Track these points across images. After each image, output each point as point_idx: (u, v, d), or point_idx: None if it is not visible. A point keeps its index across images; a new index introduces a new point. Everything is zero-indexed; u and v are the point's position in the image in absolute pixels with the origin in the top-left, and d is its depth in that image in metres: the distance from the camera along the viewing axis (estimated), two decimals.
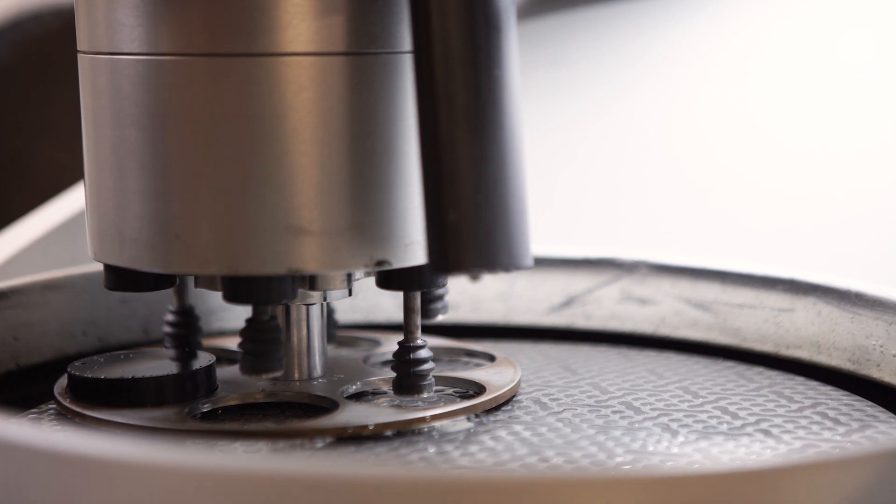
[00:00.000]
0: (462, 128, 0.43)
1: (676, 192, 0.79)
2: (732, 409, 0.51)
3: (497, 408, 0.51)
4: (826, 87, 0.77)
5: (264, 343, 0.47)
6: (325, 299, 0.51)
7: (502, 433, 0.48)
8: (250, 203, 0.46)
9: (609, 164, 0.80)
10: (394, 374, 0.50)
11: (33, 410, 0.51)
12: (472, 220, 0.43)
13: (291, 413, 0.49)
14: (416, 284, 0.49)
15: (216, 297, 0.59)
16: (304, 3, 0.45)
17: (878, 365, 0.54)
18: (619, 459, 0.45)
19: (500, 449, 0.46)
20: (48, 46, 1.01)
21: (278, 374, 0.48)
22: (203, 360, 0.51)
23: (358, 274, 0.50)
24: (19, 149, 1.03)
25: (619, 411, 0.50)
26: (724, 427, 0.49)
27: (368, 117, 0.46)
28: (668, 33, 0.80)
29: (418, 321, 0.50)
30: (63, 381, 0.51)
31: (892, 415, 0.51)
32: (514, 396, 0.52)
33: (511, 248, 0.44)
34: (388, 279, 0.49)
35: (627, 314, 0.61)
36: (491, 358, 0.56)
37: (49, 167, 1.01)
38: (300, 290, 0.49)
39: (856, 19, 0.77)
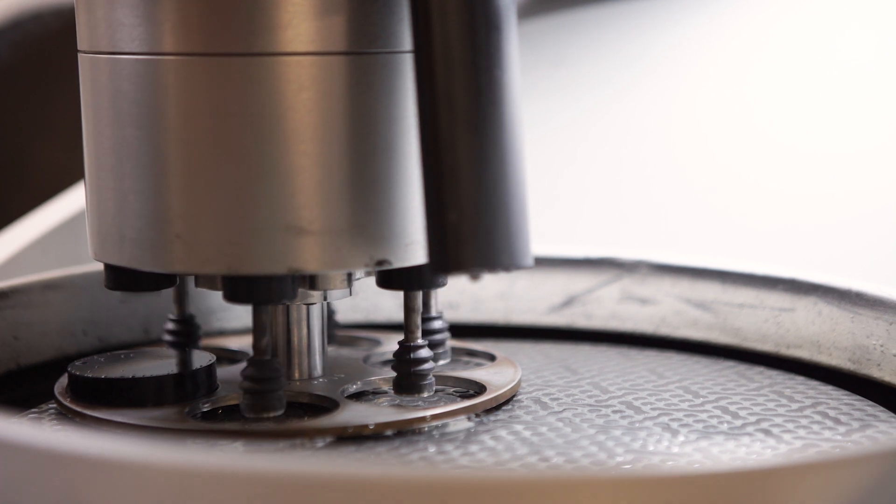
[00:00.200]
0: (462, 128, 0.43)
1: (676, 192, 0.79)
2: (733, 408, 0.51)
3: (497, 407, 0.51)
4: (826, 87, 0.77)
5: (265, 382, 0.47)
6: (325, 299, 0.51)
7: (503, 433, 0.48)
8: (250, 202, 0.46)
9: (609, 163, 0.80)
10: (394, 374, 0.50)
11: (33, 410, 0.51)
12: (472, 220, 0.43)
13: (291, 413, 0.49)
14: (417, 284, 0.49)
15: (216, 296, 0.59)
16: (304, 2, 0.45)
17: (879, 365, 0.54)
18: (619, 459, 0.45)
19: (501, 449, 0.46)
20: (48, 46, 1.01)
21: (279, 413, 0.48)
22: (203, 359, 0.51)
23: (358, 274, 0.50)
24: (19, 149, 1.03)
25: (620, 411, 0.50)
26: (725, 427, 0.49)
27: (368, 117, 0.46)
28: (668, 33, 0.80)
29: (418, 321, 0.50)
30: (63, 381, 0.51)
31: (892, 414, 0.51)
32: (514, 396, 0.52)
33: (511, 247, 0.44)
34: (389, 279, 0.49)
35: (628, 314, 0.61)
36: (491, 357, 0.56)
37: (49, 167, 1.01)
38: (300, 290, 0.49)
39: (856, 19, 0.77)
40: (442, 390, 0.52)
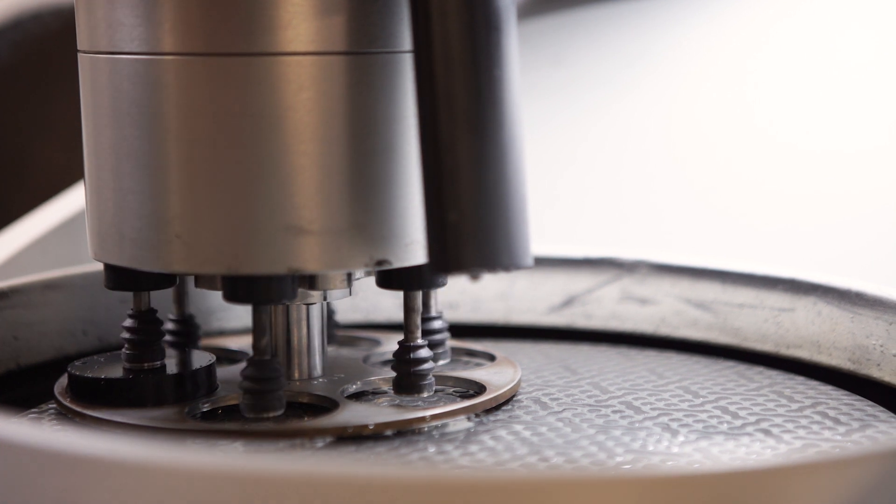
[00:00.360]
0: (462, 128, 0.43)
1: (676, 192, 0.79)
2: (733, 408, 0.51)
3: (497, 407, 0.51)
4: (826, 87, 0.77)
5: (265, 382, 0.47)
6: (325, 299, 0.51)
7: (502, 433, 0.48)
8: (250, 202, 0.46)
9: (609, 164, 0.80)
10: (394, 374, 0.50)
11: (33, 410, 0.51)
12: (472, 220, 0.43)
13: (291, 413, 0.49)
14: (417, 284, 0.49)
15: (216, 296, 0.59)
16: (304, 2, 0.45)
17: (879, 364, 0.54)
18: (619, 459, 0.45)
19: (501, 449, 0.46)
20: (48, 46, 1.01)
21: (279, 413, 0.48)
22: (203, 359, 0.51)
23: (358, 273, 0.50)
24: (19, 149, 1.03)
25: (620, 411, 0.50)
26: (725, 427, 0.49)
27: (368, 117, 0.46)
28: (668, 33, 0.80)
29: (418, 321, 0.50)
30: (63, 381, 0.51)
31: (892, 414, 0.51)
32: (514, 396, 0.52)
33: (511, 247, 0.44)
34: (389, 279, 0.49)
35: (627, 314, 0.61)
36: (491, 357, 0.56)
37: (49, 167, 1.01)
38: (300, 290, 0.49)
39: (856, 19, 0.77)
40: (442, 390, 0.52)
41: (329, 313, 0.57)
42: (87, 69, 0.48)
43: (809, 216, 0.76)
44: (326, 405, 0.49)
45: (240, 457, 0.36)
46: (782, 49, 0.78)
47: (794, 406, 0.51)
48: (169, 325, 0.55)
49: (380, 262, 0.47)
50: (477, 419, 0.49)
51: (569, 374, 0.55)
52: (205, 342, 0.57)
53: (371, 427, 0.47)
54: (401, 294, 0.51)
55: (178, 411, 0.48)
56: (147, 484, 0.35)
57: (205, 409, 0.49)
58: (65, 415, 0.49)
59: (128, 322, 0.51)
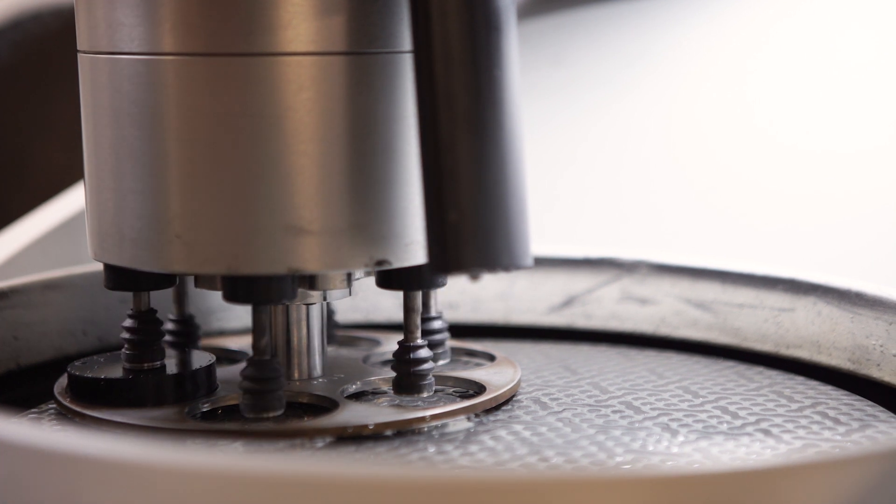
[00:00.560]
0: (462, 128, 0.43)
1: (676, 192, 0.79)
2: (732, 408, 0.51)
3: (497, 407, 0.51)
4: (826, 87, 0.77)
5: (265, 382, 0.47)
6: (325, 299, 0.51)
7: (502, 433, 0.48)
8: (250, 203, 0.46)
9: (609, 164, 0.80)
10: (394, 374, 0.50)
11: (33, 410, 0.51)
12: (472, 220, 0.43)
13: (291, 413, 0.49)
14: (416, 284, 0.49)
15: (216, 296, 0.59)
16: (304, 2, 0.45)
17: (878, 365, 0.54)
18: (619, 459, 0.45)
19: (500, 449, 0.46)
20: (48, 46, 1.01)
21: (279, 413, 0.48)
22: (203, 359, 0.51)
23: (358, 274, 0.50)
24: (19, 149, 1.03)
25: (620, 411, 0.50)
26: (725, 427, 0.49)
27: (368, 117, 0.46)
28: (668, 33, 0.80)
29: (418, 321, 0.50)
30: (63, 381, 0.51)
31: (892, 414, 0.51)
32: (514, 396, 0.52)
33: (511, 247, 0.44)
34: (388, 279, 0.49)
35: (627, 314, 0.61)
36: (491, 357, 0.56)
37: (49, 167, 1.01)
38: (300, 290, 0.49)
39: (856, 19, 0.77)
40: (442, 390, 0.52)
41: (329, 313, 0.57)
42: (87, 69, 0.48)
43: (809, 216, 0.76)
44: (326, 405, 0.49)
45: (240, 457, 0.36)
46: (782, 49, 0.78)
47: (794, 406, 0.51)
48: (169, 325, 0.55)
49: (380, 263, 0.47)
50: (477, 419, 0.49)
51: (569, 374, 0.55)
52: (205, 342, 0.57)
53: (371, 427, 0.47)
54: (401, 294, 0.51)
55: (178, 411, 0.48)
56: (147, 484, 0.35)
57: (205, 409, 0.49)
58: (65, 415, 0.49)
59: (128, 322, 0.51)
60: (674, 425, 0.49)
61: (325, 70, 0.46)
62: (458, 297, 0.63)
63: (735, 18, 0.79)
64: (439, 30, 0.43)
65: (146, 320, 0.51)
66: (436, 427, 0.48)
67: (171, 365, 0.51)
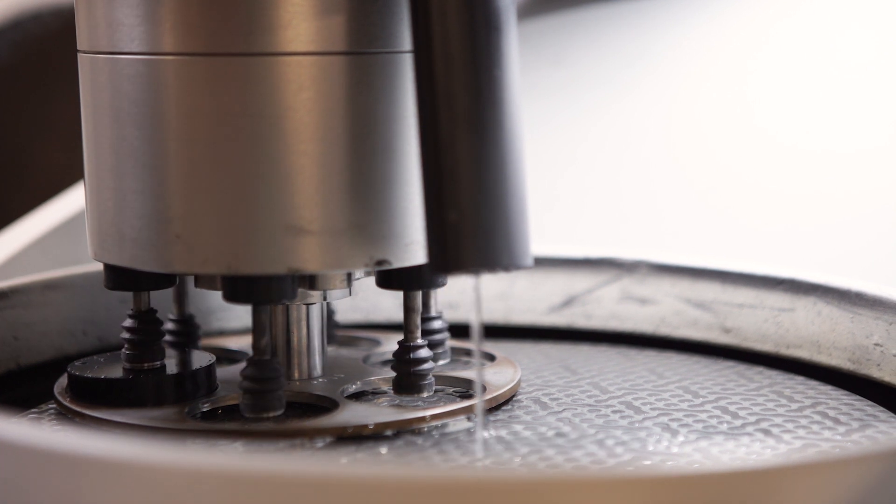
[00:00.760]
0: (462, 128, 0.43)
1: (676, 192, 0.79)
2: (732, 408, 0.51)
3: (497, 407, 0.51)
4: (826, 87, 0.77)
5: (265, 382, 0.47)
6: (325, 299, 0.51)
7: (503, 433, 0.48)
8: (250, 202, 0.46)
9: (609, 163, 0.80)
10: (394, 374, 0.50)
11: (33, 410, 0.51)
12: (472, 220, 0.43)
13: (291, 413, 0.49)
14: (416, 284, 0.49)
15: (216, 296, 0.59)
16: (304, 2, 0.45)
17: (878, 365, 0.54)
18: (619, 459, 0.45)
19: (501, 449, 0.46)
20: (48, 46, 1.01)
21: (279, 413, 0.48)
22: (203, 359, 0.51)
23: (358, 273, 0.50)
24: (19, 149, 1.03)
25: (620, 411, 0.50)
26: (725, 427, 0.49)
27: (368, 117, 0.46)
28: (668, 33, 0.80)
29: (418, 321, 0.50)
30: (63, 381, 0.51)
31: (892, 414, 0.51)
32: (514, 396, 0.52)
33: (511, 247, 0.44)
34: (388, 279, 0.49)
35: (627, 314, 0.61)
36: (491, 357, 0.56)
37: (49, 167, 1.01)
38: (300, 290, 0.49)
39: (856, 19, 0.77)
40: (441, 390, 0.52)
41: (329, 313, 0.57)
42: (87, 69, 0.48)
43: (809, 216, 0.76)
44: (326, 405, 0.49)
45: (240, 457, 0.36)
46: (782, 49, 0.78)
47: (794, 406, 0.51)
48: (169, 325, 0.55)
49: (380, 262, 0.47)
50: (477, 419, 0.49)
51: (569, 374, 0.55)
52: (205, 342, 0.57)
53: (371, 427, 0.47)
54: (401, 294, 0.51)
55: (178, 411, 0.48)
56: (147, 484, 0.35)
57: (205, 409, 0.49)
58: (65, 415, 0.49)
59: (128, 322, 0.51)
60: (674, 425, 0.49)
61: (325, 70, 0.46)
62: (458, 297, 0.63)
63: (735, 18, 0.79)
64: (439, 30, 0.43)
65: (146, 320, 0.51)
66: (436, 427, 0.48)
67: (171, 365, 0.51)
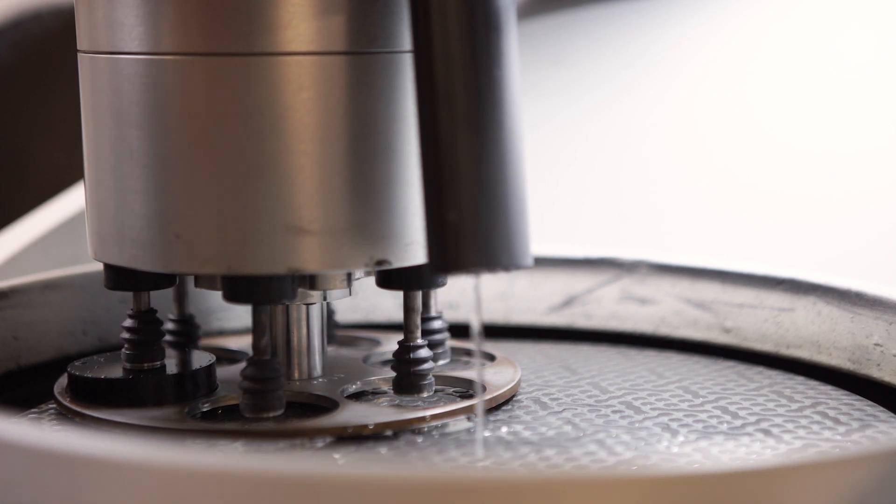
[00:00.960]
0: (462, 128, 0.43)
1: (676, 192, 0.79)
2: (732, 408, 0.51)
3: (497, 407, 0.51)
4: (826, 87, 0.77)
5: (265, 382, 0.47)
6: (325, 299, 0.51)
7: (503, 433, 0.48)
8: (250, 202, 0.46)
9: (609, 164, 0.80)
10: (394, 374, 0.50)
11: (33, 410, 0.51)
12: (472, 220, 0.43)
13: (291, 413, 0.49)
14: (416, 284, 0.49)
15: (216, 296, 0.59)
16: (304, 2, 0.45)
17: (878, 365, 0.54)
18: (619, 459, 0.45)
19: (501, 449, 0.46)
20: (48, 46, 1.01)
21: (279, 413, 0.48)
22: (203, 359, 0.51)
23: (358, 273, 0.50)
24: (19, 149, 1.03)
25: (620, 411, 0.50)
26: (725, 427, 0.49)
27: (368, 117, 0.46)
28: (668, 33, 0.80)
29: (418, 321, 0.50)
30: (63, 381, 0.51)
31: (892, 414, 0.51)
32: (514, 396, 0.52)
33: (511, 247, 0.44)
34: (388, 279, 0.49)
35: (627, 314, 0.61)
36: (491, 357, 0.56)
37: (49, 167, 1.01)
38: (300, 290, 0.49)
39: (856, 19, 0.77)
40: (441, 390, 0.52)
41: (329, 313, 0.57)
42: (87, 69, 0.48)
43: (809, 216, 0.76)
44: (326, 405, 0.49)
45: (240, 457, 0.36)
46: (782, 49, 0.78)
47: (794, 406, 0.51)
48: (169, 325, 0.55)
49: (379, 262, 0.47)
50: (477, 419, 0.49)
51: (569, 374, 0.55)
52: (205, 342, 0.57)
53: (371, 427, 0.47)
54: (401, 294, 0.51)
55: (178, 411, 0.48)
56: (147, 484, 0.35)
57: (205, 409, 0.49)
58: (65, 415, 0.49)
59: (128, 322, 0.51)
60: (674, 425, 0.49)
61: (325, 70, 0.46)
62: (458, 297, 0.63)
63: (735, 18, 0.79)
64: (439, 30, 0.43)
65: (146, 320, 0.51)
66: (436, 427, 0.48)
67: (171, 365, 0.51)
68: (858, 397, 0.52)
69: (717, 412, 0.50)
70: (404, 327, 0.50)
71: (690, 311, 0.60)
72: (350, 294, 0.50)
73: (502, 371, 0.53)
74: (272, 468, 0.35)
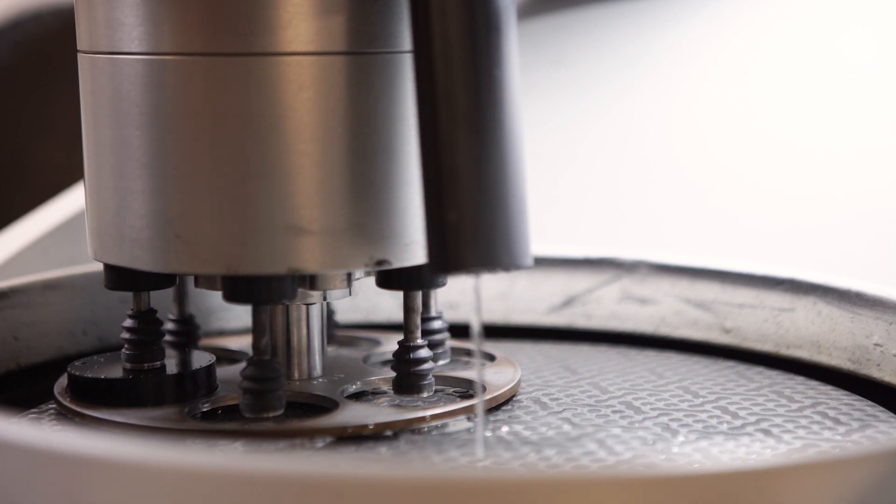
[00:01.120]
0: (462, 128, 0.43)
1: (676, 192, 0.79)
2: (732, 408, 0.51)
3: (497, 407, 0.51)
4: (826, 86, 0.77)
5: (265, 382, 0.47)
6: (325, 299, 0.51)
7: (503, 433, 0.48)
8: (250, 202, 0.46)
9: (609, 164, 0.80)
10: (394, 374, 0.50)
11: (33, 410, 0.51)
12: (472, 220, 0.43)
13: (291, 413, 0.49)
14: (416, 284, 0.49)
15: (216, 296, 0.59)
16: (304, 2, 0.45)
17: (878, 365, 0.54)
18: (619, 459, 0.45)
19: (501, 449, 0.46)
20: (48, 46, 1.01)
21: (279, 413, 0.48)
22: (203, 359, 0.51)
23: (358, 273, 0.50)
24: (19, 149, 1.03)
25: (620, 411, 0.50)
26: (724, 427, 0.49)
27: (368, 117, 0.46)
28: (668, 33, 0.80)
29: (418, 321, 0.50)
30: (63, 381, 0.51)
31: (892, 414, 0.51)
32: (514, 396, 0.52)
33: (511, 247, 0.44)
34: (388, 279, 0.49)
35: (627, 314, 0.61)
36: (491, 357, 0.56)
37: (49, 167, 1.01)
38: (300, 290, 0.49)
39: (856, 19, 0.77)
40: (441, 390, 0.52)
41: (329, 313, 0.57)
42: (87, 69, 0.48)
43: (809, 216, 0.76)
44: (326, 405, 0.49)
45: (240, 457, 0.36)
46: (782, 49, 0.78)
47: (794, 406, 0.51)
48: (169, 325, 0.55)
49: (379, 262, 0.47)
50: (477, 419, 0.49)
51: (569, 374, 0.55)
52: (205, 342, 0.57)
53: (371, 427, 0.47)
54: (401, 294, 0.51)
55: (178, 411, 0.48)
56: (147, 484, 0.35)
57: (205, 409, 0.49)
58: (65, 415, 0.49)
59: (128, 322, 0.51)
60: (674, 425, 0.49)
61: (325, 70, 0.46)
62: (458, 297, 0.63)
63: (735, 18, 0.79)
64: (439, 30, 0.43)
65: (146, 320, 0.51)
66: (436, 427, 0.48)
67: (171, 365, 0.51)
68: (858, 397, 0.52)
69: (717, 412, 0.50)
70: (404, 327, 0.50)
71: (690, 311, 0.60)
72: (350, 294, 0.50)
73: (502, 371, 0.53)
74: (272, 468, 0.35)
